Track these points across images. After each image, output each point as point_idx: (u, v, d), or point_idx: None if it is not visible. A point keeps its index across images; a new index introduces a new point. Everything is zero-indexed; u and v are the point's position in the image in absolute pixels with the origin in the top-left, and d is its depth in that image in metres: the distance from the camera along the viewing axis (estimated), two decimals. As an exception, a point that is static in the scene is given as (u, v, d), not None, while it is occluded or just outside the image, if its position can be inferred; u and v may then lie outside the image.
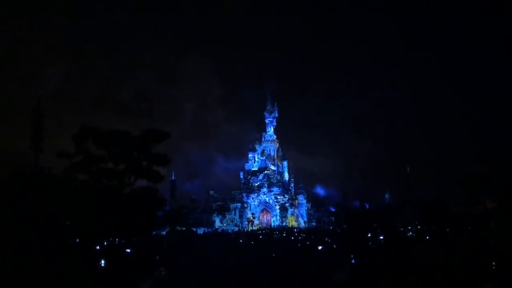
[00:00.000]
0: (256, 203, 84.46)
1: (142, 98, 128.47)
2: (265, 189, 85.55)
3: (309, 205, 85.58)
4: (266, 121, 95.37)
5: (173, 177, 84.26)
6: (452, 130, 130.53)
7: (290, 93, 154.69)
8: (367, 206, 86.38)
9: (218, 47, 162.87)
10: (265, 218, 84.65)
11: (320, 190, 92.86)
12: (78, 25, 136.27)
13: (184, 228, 58.88)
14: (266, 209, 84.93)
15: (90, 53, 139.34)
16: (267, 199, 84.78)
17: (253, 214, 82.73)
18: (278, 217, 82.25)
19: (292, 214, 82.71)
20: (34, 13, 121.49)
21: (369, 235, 39.67)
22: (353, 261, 16.63)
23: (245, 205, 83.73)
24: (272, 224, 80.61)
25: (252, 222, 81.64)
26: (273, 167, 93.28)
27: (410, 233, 44.57)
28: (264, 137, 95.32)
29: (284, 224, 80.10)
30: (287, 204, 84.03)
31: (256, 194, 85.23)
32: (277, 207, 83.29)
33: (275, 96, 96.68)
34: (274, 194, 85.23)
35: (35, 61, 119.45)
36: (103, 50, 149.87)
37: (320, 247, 24.90)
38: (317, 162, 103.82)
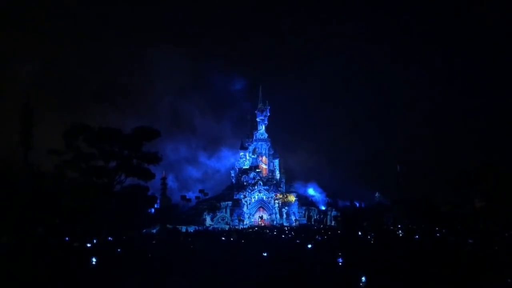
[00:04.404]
0: (253, 201, 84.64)
1: (117, 92, 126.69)
2: (260, 187, 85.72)
3: (299, 203, 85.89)
4: (258, 119, 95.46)
5: (163, 175, 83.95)
6: (441, 129, 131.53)
7: (274, 88, 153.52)
8: (357, 205, 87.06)
9: (197, 38, 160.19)
10: (261, 215, 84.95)
11: (307, 188, 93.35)
12: (49, 21, 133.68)
13: (171, 227, 58.93)
14: (262, 207, 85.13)
15: (63, 49, 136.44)
16: (264, 197, 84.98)
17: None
18: (277, 215, 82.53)
19: (284, 212, 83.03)
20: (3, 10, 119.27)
21: (359, 234, 39.91)
22: (340, 260, 16.70)
23: (238, 203, 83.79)
24: (275, 222, 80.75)
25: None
26: (264, 166, 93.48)
27: (400, 231, 44.86)
28: (255, 135, 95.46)
29: (282, 222, 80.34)
30: (279, 202, 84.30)
31: (250, 192, 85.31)
32: (276, 205, 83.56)
33: (263, 92, 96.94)
34: (268, 192, 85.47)
35: (8, 58, 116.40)
36: (75, 45, 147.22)
37: (309, 246, 24.97)
38: (301, 159, 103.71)
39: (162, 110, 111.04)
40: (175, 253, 23.07)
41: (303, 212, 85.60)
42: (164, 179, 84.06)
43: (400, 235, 39.91)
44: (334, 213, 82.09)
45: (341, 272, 15.44)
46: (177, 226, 60.08)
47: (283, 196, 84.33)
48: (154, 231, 54.38)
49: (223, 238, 36.36)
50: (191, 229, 60.42)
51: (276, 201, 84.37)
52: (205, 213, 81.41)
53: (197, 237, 40.93)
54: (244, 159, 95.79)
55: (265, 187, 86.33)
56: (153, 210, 63.86)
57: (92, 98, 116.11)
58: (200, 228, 68.72)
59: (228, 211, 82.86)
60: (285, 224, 78.64)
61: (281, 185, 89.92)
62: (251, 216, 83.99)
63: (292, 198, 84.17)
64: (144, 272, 16.16)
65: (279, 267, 16.46)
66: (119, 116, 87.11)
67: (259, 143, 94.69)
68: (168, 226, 59.03)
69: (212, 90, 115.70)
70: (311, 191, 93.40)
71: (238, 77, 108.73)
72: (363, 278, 12.01)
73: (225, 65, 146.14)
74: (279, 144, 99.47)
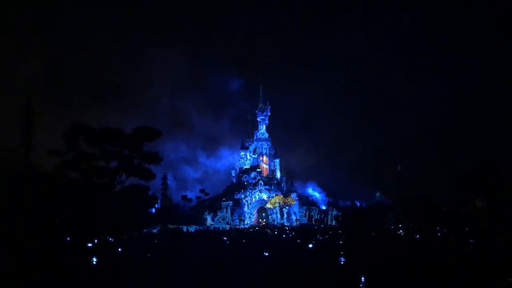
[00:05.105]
0: (253, 201, 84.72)
1: (117, 92, 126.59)
2: (261, 187, 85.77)
3: (300, 203, 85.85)
4: (258, 119, 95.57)
5: (164, 175, 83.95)
6: (443, 128, 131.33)
7: (273, 88, 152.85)
8: (358, 204, 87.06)
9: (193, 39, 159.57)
10: (261, 215, 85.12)
11: (307, 188, 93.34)
12: (49, 21, 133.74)
13: (174, 227, 58.96)
14: (263, 207, 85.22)
15: (63, 49, 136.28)
16: (265, 196, 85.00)
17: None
18: (278, 215, 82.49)
19: (285, 212, 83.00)
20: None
21: (361, 233, 39.90)
22: (342, 259, 16.70)
23: (239, 203, 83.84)
24: (276, 222, 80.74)
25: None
26: (265, 165, 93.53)
27: (401, 231, 44.86)
28: (256, 135, 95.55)
29: (282, 222, 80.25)
30: (280, 202, 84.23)
31: (251, 192, 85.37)
32: (277, 205, 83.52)
33: (264, 92, 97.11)
34: (269, 192, 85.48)
35: (8, 59, 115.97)
36: (75, 45, 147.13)
37: (310, 245, 24.98)
38: (301, 158, 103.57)
39: (161, 110, 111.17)
40: (178, 253, 23.09)
41: (304, 211, 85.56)
42: (165, 179, 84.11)
43: (401, 234, 39.91)
44: (335, 212, 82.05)
45: (342, 271, 15.44)
46: (180, 226, 60.04)
47: (283, 198, 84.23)
48: (155, 231, 54.42)
49: (225, 238, 36.41)
50: (192, 228, 60.44)
51: (278, 198, 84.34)
52: (205, 213, 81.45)
53: (198, 237, 40.96)
54: (244, 159, 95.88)
55: (266, 187, 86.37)
56: (153, 210, 63.91)
57: (91, 98, 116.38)
58: (201, 228, 68.73)
59: (229, 211, 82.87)
60: (286, 224, 78.66)
61: (282, 185, 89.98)
62: (252, 216, 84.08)
63: (291, 201, 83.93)
64: (145, 271, 16.17)
65: (280, 266, 16.45)
66: (118, 116, 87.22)
67: (260, 142, 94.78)
68: (171, 226, 59.09)
69: (211, 89, 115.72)
70: (311, 191, 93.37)
71: (238, 76, 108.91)
72: (363, 279, 11.97)
73: (224, 64, 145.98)
74: (279, 143, 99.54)
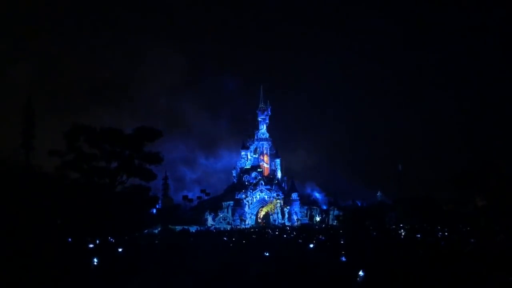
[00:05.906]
0: (254, 200, 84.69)
1: (117, 92, 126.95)
2: (262, 187, 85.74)
3: (300, 203, 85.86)
4: (259, 119, 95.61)
5: (165, 175, 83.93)
6: (444, 128, 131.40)
7: (274, 88, 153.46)
8: (359, 204, 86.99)
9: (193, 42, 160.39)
10: (262, 215, 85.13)
11: (308, 188, 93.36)
12: (47, 21, 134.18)
13: (176, 227, 58.90)
14: (264, 207, 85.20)
15: (60, 49, 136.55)
16: (265, 196, 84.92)
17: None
18: (279, 215, 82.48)
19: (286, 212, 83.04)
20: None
21: (362, 233, 39.87)
22: (343, 258, 16.73)
23: (240, 203, 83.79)
24: (277, 222, 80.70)
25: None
26: (266, 165, 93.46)
27: (402, 231, 44.82)
28: (257, 135, 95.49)
29: (283, 222, 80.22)
30: (281, 202, 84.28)
31: (252, 192, 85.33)
32: (278, 205, 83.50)
33: (266, 92, 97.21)
34: (270, 192, 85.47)
35: (8, 59, 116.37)
36: (74, 45, 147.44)
37: (311, 245, 24.99)
38: (302, 158, 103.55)
39: (161, 110, 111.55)
40: (182, 253, 23.13)
41: (305, 211, 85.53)
42: (165, 179, 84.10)
43: (402, 234, 39.87)
44: (336, 212, 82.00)
45: (343, 270, 15.45)
46: (186, 227, 59.98)
47: (282, 200, 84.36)
48: (156, 231, 54.41)
49: (225, 238, 36.41)
50: (192, 229, 60.42)
51: (278, 201, 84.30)
52: (206, 213, 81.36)
53: (199, 237, 40.97)
54: (245, 158, 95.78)
55: (267, 187, 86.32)
56: (154, 210, 63.89)
57: (91, 98, 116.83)
58: (202, 228, 68.69)
59: (230, 211, 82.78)
60: (287, 224, 78.64)
61: (283, 185, 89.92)
62: (252, 216, 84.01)
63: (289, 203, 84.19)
64: (148, 272, 16.18)
65: (280, 266, 16.47)
66: (118, 116, 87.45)
67: (261, 142, 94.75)
68: (172, 226, 59.02)
69: (211, 90, 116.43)
70: (312, 191, 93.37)
71: (237, 77, 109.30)
72: (361, 273, 11.96)
73: (224, 65, 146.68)
74: (279, 143, 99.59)
